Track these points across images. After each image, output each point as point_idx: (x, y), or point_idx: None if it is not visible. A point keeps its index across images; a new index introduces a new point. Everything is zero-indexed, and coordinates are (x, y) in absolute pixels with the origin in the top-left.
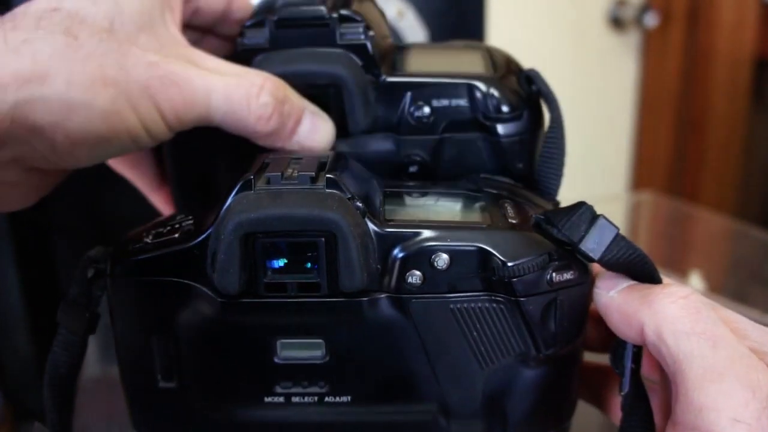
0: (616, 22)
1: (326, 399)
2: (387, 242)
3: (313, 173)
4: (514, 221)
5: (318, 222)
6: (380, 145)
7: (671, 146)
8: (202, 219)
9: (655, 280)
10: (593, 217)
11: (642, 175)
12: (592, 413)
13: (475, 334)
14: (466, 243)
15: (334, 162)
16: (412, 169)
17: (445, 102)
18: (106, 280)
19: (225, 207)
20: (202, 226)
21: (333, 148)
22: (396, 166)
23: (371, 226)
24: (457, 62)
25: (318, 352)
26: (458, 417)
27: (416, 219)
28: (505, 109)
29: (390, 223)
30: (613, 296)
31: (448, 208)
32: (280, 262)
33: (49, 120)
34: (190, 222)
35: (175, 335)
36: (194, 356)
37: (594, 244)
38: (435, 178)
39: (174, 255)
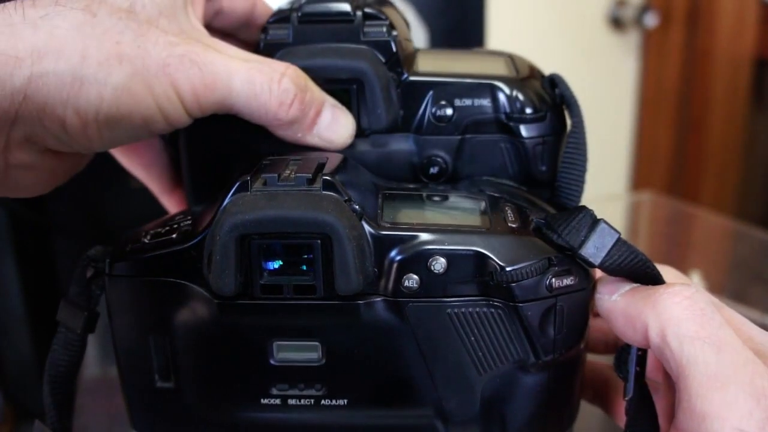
0: (616, 23)
1: (323, 402)
2: (384, 245)
3: (310, 175)
4: (514, 225)
5: (313, 224)
6: (401, 144)
7: (671, 146)
8: (200, 219)
9: (658, 282)
10: (594, 221)
11: (642, 175)
12: (593, 418)
13: (472, 339)
14: (464, 247)
15: (333, 164)
16: (433, 170)
17: (467, 102)
18: (104, 280)
19: (221, 208)
20: (200, 227)
21: (352, 145)
22: (417, 167)
23: (368, 228)
24: (479, 65)
25: (314, 355)
26: (456, 422)
27: (414, 222)
28: (528, 110)
29: (387, 226)
30: (617, 300)
31: (447, 211)
32: (276, 264)
33: (60, 97)
34: (188, 222)
35: (172, 335)
36: (191, 357)
37: (594, 249)
38: (456, 180)
39: (171, 255)
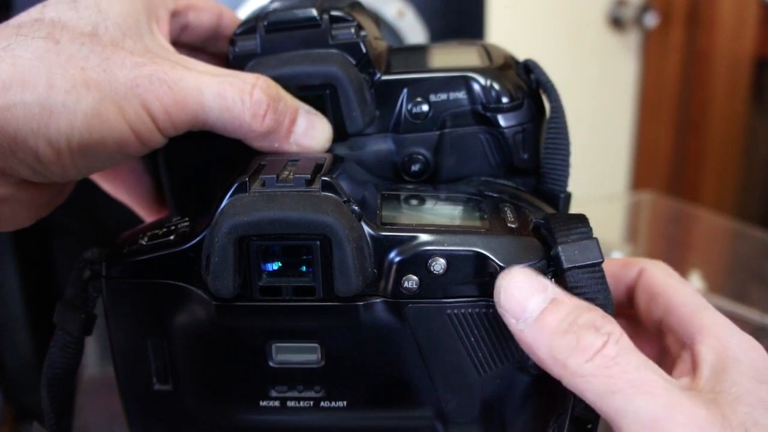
0: (616, 22)
1: (322, 404)
2: (383, 246)
3: (309, 176)
4: (513, 226)
5: (312, 225)
6: (380, 145)
7: (671, 146)
8: (198, 221)
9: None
10: (589, 234)
11: (642, 175)
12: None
13: (472, 339)
14: (464, 247)
15: (331, 164)
16: (415, 168)
17: (443, 96)
18: (101, 282)
19: (220, 209)
20: (198, 228)
21: (330, 150)
22: (398, 166)
23: (367, 229)
24: (452, 58)
25: (313, 356)
26: (455, 423)
27: (413, 223)
28: (504, 99)
29: (386, 227)
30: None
31: (446, 212)
32: (275, 266)
33: (30, 127)
34: (186, 224)
35: (170, 338)
36: (189, 359)
37: (573, 255)
38: (439, 175)
39: (169, 257)
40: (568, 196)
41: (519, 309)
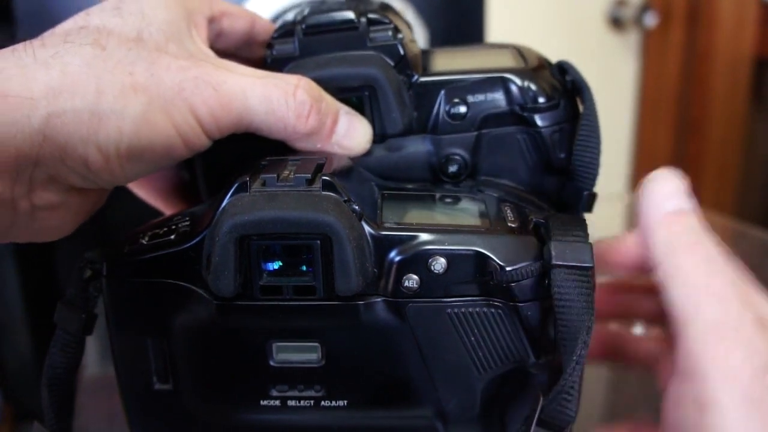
0: (616, 22)
1: (323, 403)
2: (383, 245)
3: (309, 175)
4: (513, 225)
5: (313, 224)
6: (418, 146)
7: (671, 146)
8: (199, 220)
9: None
10: (586, 238)
11: (642, 175)
12: (593, 419)
13: (473, 339)
14: (464, 247)
15: (331, 164)
16: (452, 168)
17: (480, 97)
18: (101, 281)
19: (220, 209)
20: (198, 228)
21: (370, 151)
22: (435, 167)
23: (367, 228)
24: (487, 59)
25: (314, 356)
26: (456, 423)
27: (414, 222)
28: (541, 99)
29: (387, 226)
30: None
31: (447, 211)
32: (275, 265)
33: (80, 134)
34: (187, 223)
35: (170, 337)
36: (190, 358)
37: (563, 253)
38: (476, 176)
39: (169, 256)
40: (593, 195)
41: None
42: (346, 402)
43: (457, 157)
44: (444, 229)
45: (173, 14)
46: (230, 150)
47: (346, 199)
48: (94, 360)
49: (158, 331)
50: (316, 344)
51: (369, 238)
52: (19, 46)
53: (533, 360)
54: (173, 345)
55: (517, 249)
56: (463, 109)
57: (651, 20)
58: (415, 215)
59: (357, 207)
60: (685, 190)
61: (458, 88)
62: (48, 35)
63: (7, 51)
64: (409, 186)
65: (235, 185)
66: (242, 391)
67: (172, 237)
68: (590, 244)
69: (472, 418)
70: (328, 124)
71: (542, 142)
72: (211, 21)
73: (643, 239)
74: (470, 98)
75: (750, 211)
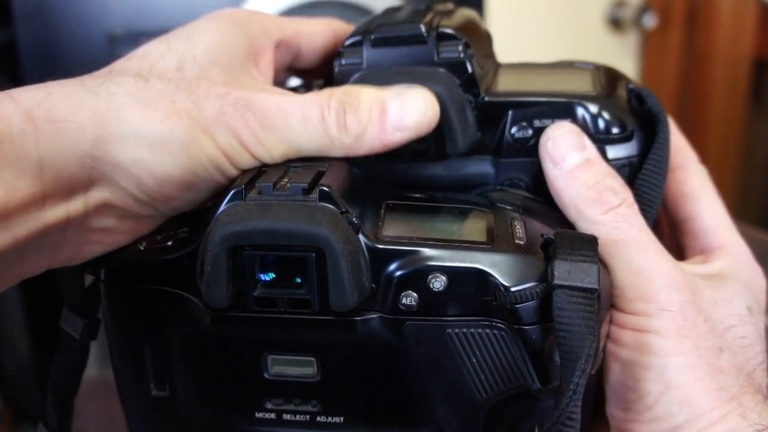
0: (615, 23)
1: (318, 418)
2: (381, 259)
3: (306, 184)
4: (521, 242)
5: (305, 237)
6: (477, 168)
7: None
8: (197, 227)
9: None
10: (592, 259)
11: None
12: None
13: (474, 360)
14: (466, 264)
15: (332, 173)
16: None
17: (548, 122)
18: (99, 286)
19: (215, 217)
20: (195, 236)
21: (427, 169)
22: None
23: (365, 241)
24: (563, 80)
25: (310, 370)
26: None
27: (415, 235)
28: (615, 130)
29: (386, 239)
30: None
31: (452, 224)
32: (269, 276)
33: (130, 158)
34: (185, 230)
35: (166, 344)
36: (185, 366)
37: (567, 273)
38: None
39: (165, 264)
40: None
41: (560, 157)
42: (342, 419)
43: (519, 182)
44: (446, 244)
45: (225, 38)
46: None
47: (343, 210)
48: (93, 362)
49: (155, 337)
50: (311, 359)
51: (366, 251)
52: (69, 80)
53: (538, 386)
54: (169, 352)
55: (521, 268)
56: (529, 132)
57: (650, 21)
58: (418, 228)
59: (355, 219)
60: (582, 136)
61: (525, 111)
62: (99, 71)
63: (56, 82)
64: (416, 196)
65: (231, 192)
66: (237, 402)
67: (169, 244)
68: (598, 264)
69: None
70: (375, 117)
71: None
72: (282, 44)
73: (556, 201)
74: (537, 123)
75: (749, 212)
